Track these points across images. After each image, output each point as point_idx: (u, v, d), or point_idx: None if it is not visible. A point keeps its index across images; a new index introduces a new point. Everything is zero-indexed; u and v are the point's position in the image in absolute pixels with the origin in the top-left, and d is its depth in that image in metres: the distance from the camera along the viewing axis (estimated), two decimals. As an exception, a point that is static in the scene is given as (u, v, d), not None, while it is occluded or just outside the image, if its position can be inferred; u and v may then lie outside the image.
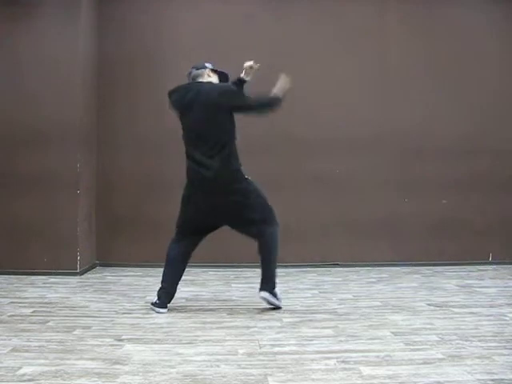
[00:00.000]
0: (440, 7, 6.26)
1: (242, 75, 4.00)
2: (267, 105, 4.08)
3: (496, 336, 3.27)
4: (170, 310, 3.95)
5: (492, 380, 2.53)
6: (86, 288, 4.80)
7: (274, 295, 3.98)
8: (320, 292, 4.67)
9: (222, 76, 4.23)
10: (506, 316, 3.76)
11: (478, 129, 6.22)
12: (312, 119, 6.06)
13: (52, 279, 5.13)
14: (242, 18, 6.09)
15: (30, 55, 5.40)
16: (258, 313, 3.89)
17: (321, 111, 6.08)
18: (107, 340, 3.18)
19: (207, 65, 4.20)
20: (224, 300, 4.36)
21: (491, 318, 3.72)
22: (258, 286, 4.00)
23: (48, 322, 3.58)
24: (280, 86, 4.08)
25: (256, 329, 3.46)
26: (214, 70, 4.20)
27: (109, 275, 5.47)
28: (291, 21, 6.12)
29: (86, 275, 5.45)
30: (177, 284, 4.04)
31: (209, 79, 4.14)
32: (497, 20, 6.34)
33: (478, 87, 6.25)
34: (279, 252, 4.05)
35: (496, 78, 6.28)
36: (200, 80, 4.12)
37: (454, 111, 6.21)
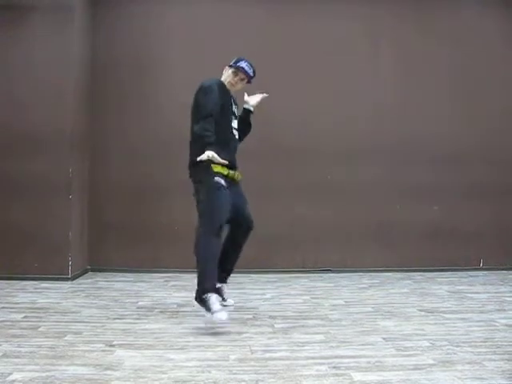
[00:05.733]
0: (441, 8, 6.30)
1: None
2: (197, 132, 3.85)
3: (486, 342, 3.29)
4: (161, 316, 3.94)
5: (482, 385, 2.55)
6: (78, 293, 4.78)
7: (203, 302, 3.60)
8: (312, 298, 4.67)
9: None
10: (496, 322, 3.78)
11: (470, 137, 6.24)
12: (305, 126, 6.08)
13: (43, 284, 5.11)
14: (235, 20, 6.10)
15: (21, 60, 5.39)
16: (250, 318, 3.89)
17: (313, 118, 6.10)
18: (98, 345, 3.17)
19: (232, 60, 4.16)
20: (216, 305, 4.35)
21: (482, 323, 3.74)
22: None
23: (39, 327, 3.57)
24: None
25: (248, 334, 3.46)
26: (230, 66, 4.14)
27: (100, 280, 5.45)
28: (285, 24, 6.13)
29: (77, 280, 5.43)
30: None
31: (223, 77, 4.17)
32: (502, 25, 6.39)
33: (475, 98, 6.28)
34: (207, 258, 3.71)
35: (493, 87, 6.32)
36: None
37: (447, 120, 6.24)
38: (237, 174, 4.09)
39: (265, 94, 4.32)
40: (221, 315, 3.53)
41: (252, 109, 4.31)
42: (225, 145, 3.94)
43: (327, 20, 6.18)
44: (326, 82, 6.12)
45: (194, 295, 3.74)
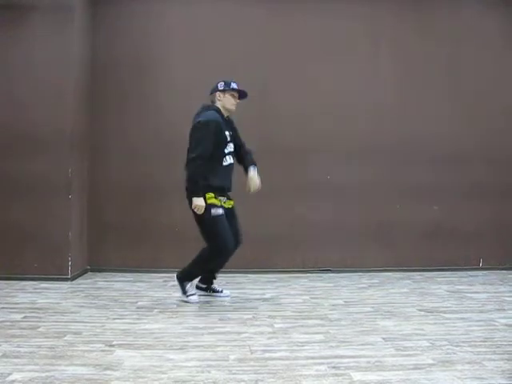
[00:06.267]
0: (441, 8, 6.29)
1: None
2: (188, 173, 4.26)
3: (486, 341, 3.29)
4: (160, 316, 3.95)
5: (482, 385, 2.55)
6: (77, 293, 4.78)
7: (183, 285, 4.43)
8: (311, 298, 4.67)
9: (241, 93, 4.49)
10: (495, 321, 3.78)
11: (470, 137, 6.24)
12: (304, 126, 6.07)
13: (43, 284, 5.10)
14: (235, 19, 6.10)
15: (21, 60, 5.39)
16: (250, 318, 3.89)
17: (313, 118, 6.09)
18: (98, 345, 3.17)
19: (219, 86, 4.41)
20: (215, 305, 4.36)
21: (481, 323, 3.74)
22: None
23: (38, 327, 3.57)
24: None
25: (247, 334, 3.46)
26: (223, 90, 4.40)
27: (100, 281, 5.45)
28: (285, 24, 6.12)
29: (77, 280, 5.42)
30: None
31: (219, 103, 4.41)
32: (502, 25, 6.37)
33: (475, 98, 6.27)
34: (204, 266, 4.48)
35: (493, 87, 6.30)
36: (215, 104, 4.42)
37: (447, 120, 6.24)
38: (228, 203, 4.43)
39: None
40: (194, 298, 4.41)
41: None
42: (220, 171, 4.33)
43: (327, 20, 6.17)
44: (326, 82, 6.11)
45: (177, 274, 4.49)
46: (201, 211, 4.20)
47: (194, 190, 4.22)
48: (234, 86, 4.41)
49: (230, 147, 4.42)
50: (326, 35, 6.15)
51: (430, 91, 6.24)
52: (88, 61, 5.89)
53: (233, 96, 4.42)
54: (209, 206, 4.24)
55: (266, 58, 6.06)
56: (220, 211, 4.28)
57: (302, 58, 6.11)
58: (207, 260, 4.39)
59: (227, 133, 4.39)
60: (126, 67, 6.00)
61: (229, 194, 4.50)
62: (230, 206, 4.47)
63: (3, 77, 5.41)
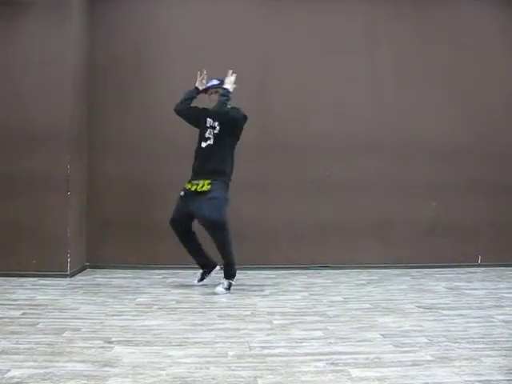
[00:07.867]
0: (441, 7, 6.30)
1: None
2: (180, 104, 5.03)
3: (484, 338, 3.29)
4: (159, 312, 3.95)
5: (479, 381, 2.55)
6: (76, 290, 4.78)
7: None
8: (310, 294, 4.68)
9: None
10: (493, 318, 3.79)
11: (469, 133, 6.26)
12: (304, 124, 6.08)
13: (42, 281, 5.10)
14: (235, 16, 6.10)
15: (19, 57, 5.37)
16: (248, 315, 3.90)
17: (312, 114, 6.10)
18: (97, 342, 3.17)
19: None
20: (214, 302, 4.36)
21: (480, 319, 3.75)
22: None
23: (37, 324, 3.57)
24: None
25: (246, 331, 3.47)
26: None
27: (99, 277, 5.45)
28: (285, 21, 6.14)
29: (76, 277, 5.43)
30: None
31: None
32: (502, 24, 6.38)
33: (474, 96, 6.28)
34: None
35: (492, 86, 6.32)
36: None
37: (446, 118, 6.25)
38: (201, 185, 4.73)
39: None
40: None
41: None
42: (196, 155, 4.88)
43: (327, 17, 6.17)
44: (326, 80, 6.12)
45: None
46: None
47: (188, 93, 5.02)
48: (207, 85, 5.00)
49: (209, 134, 4.83)
50: (326, 33, 6.16)
51: (430, 89, 6.25)
52: (87, 58, 5.88)
53: (209, 93, 4.96)
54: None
55: (265, 56, 6.06)
56: (181, 193, 4.89)
57: (301, 55, 6.11)
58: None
59: (209, 120, 4.84)
60: (125, 63, 5.99)
61: (208, 176, 4.76)
62: (202, 189, 4.73)
63: (1, 74, 5.39)
